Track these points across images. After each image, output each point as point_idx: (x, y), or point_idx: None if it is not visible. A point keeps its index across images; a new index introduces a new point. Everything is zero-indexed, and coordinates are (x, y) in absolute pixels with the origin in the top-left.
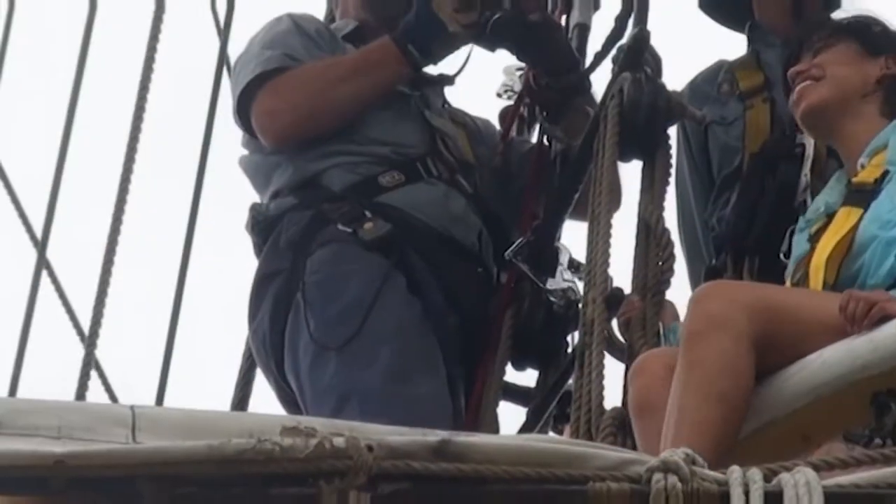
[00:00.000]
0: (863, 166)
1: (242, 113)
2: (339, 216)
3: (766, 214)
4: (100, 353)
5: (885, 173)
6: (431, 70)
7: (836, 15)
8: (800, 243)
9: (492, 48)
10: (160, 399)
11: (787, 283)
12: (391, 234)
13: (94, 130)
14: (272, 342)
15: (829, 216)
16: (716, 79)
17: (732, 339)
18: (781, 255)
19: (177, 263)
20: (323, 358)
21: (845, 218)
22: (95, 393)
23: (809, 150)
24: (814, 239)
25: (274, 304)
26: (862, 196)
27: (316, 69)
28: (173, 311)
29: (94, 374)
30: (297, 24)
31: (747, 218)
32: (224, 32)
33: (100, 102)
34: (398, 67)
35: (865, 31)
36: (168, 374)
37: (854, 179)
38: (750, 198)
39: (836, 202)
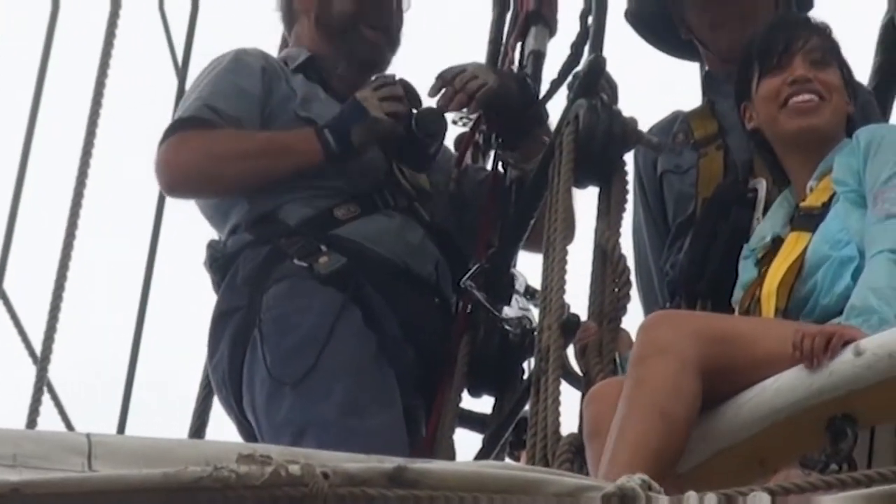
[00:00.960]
0: (811, 189)
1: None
2: (295, 251)
3: (717, 258)
4: (53, 375)
5: (833, 196)
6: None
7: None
8: (746, 269)
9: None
10: (122, 427)
11: (736, 310)
12: (346, 267)
13: (50, 155)
14: (231, 378)
15: (775, 242)
16: (671, 129)
17: (678, 363)
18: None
19: (136, 286)
20: (279, 392)
21: (794, 243)
22: (48, 416)
23: (762, 194)
24: (761, 264)
25: (232, 341)
26: (810, 220)
27: (225, 138)
28: (135, 338)
29: (47, 397)
30: (240, 69)
31: (699, 262)
32: (182, 70)
33: (55, 134)
34: (311, 157)
35: (846, 65)
36: (129, 402)
37: (802, 204)
38: (702, 242)
39: (781, 227)
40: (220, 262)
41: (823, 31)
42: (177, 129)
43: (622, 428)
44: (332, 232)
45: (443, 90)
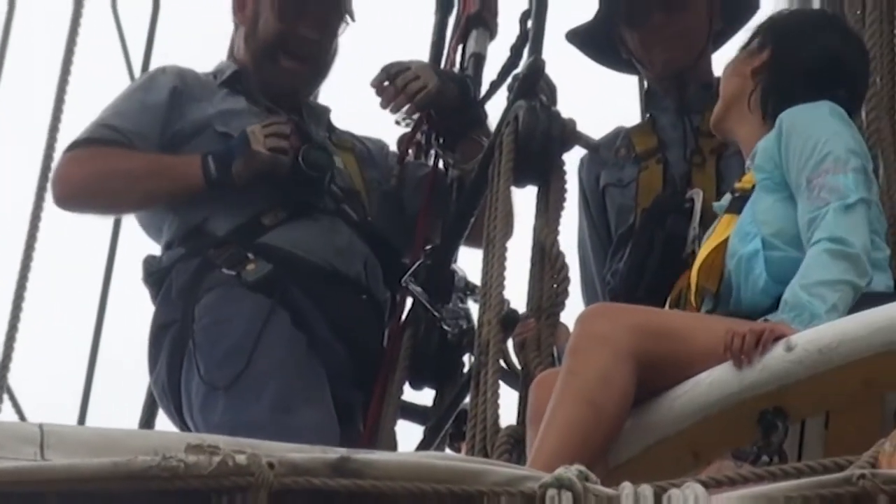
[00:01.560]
0: (748, 169)
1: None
2: (223, 261)
3: (654, 266)
4: (12, 379)
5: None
6: (315, 99)
7: None
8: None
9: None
10: (82, 419)
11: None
12: (273, 273)
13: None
14: (171, 388)
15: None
16: (614, 144)
17: (612, 353)
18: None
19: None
20: (212, 397)
21: (726, 225)
22: (7, 415)
23: (698, 204)
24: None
25: (170, 353)
26: (741, 203)
27: (114, 157)
28: (93, 343)
29: (6, 398)
30: (149, 84)
31: (638, 270)
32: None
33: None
34: (192, 181)
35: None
36: (88, 402)
37: (737, 185)
38: (641, 251)
39: (724, 206)
40: (155, 276)
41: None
42: (72, 147)
43: (552, 415)
44: (259, 240)
45: (385, 84)
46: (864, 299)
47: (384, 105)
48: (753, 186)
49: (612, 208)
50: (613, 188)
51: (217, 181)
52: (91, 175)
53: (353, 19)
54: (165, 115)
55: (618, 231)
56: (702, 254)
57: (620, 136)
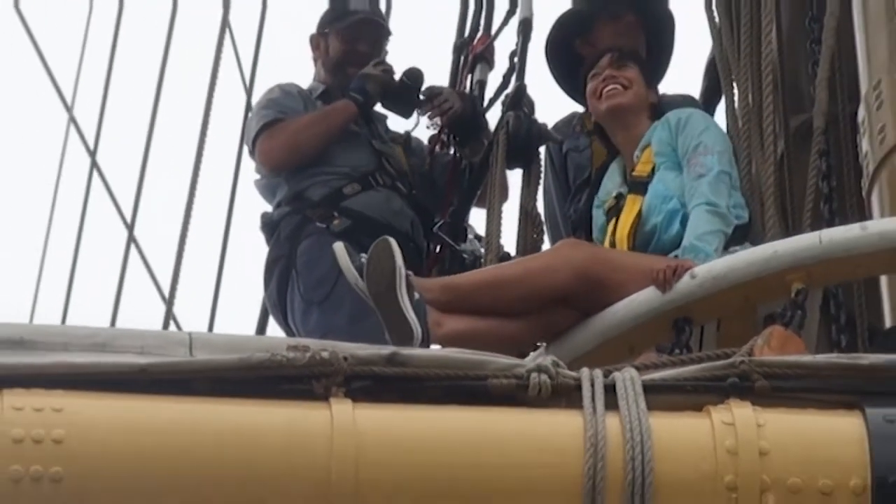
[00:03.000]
0: (637, 158)
1: (252, 152)
2: (317, 217)
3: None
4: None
5: (655, 165)
6: (379, 110)
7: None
8: (598, 217)
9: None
10: (210, 328)
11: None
12: (351, 227)
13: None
14: (279, 303)
15: (616, 197)
16: (571, 122)
17: (562, 264)
18: None
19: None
20: (309, 310)
21: (633, 204)
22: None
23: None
24: (609, 214)
25: (279, 279)
26: (641, 185)
27: (295, 121)
28: (218, 268)
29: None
30: (283, 90)
31: (591, 208)
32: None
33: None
34: (349, 109)
35: (646, 67)
36: (216, 313)
37: (634, 172)
38: (593, 195)
39: (615, 186)
40: (268, 226)
41: (627, 48)
42: (260, 131)
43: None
44: (342, 204)
45: (431, 100)
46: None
47: (423, 114)
48: (649, 173)
49: (571, 166)
50: (573, 152)
51: (363, 103)
52: (281, 142)
53: (391, 34)
54: (302, 103)
55: (575, 181)
56: (625, 224)
57: (576, 118)
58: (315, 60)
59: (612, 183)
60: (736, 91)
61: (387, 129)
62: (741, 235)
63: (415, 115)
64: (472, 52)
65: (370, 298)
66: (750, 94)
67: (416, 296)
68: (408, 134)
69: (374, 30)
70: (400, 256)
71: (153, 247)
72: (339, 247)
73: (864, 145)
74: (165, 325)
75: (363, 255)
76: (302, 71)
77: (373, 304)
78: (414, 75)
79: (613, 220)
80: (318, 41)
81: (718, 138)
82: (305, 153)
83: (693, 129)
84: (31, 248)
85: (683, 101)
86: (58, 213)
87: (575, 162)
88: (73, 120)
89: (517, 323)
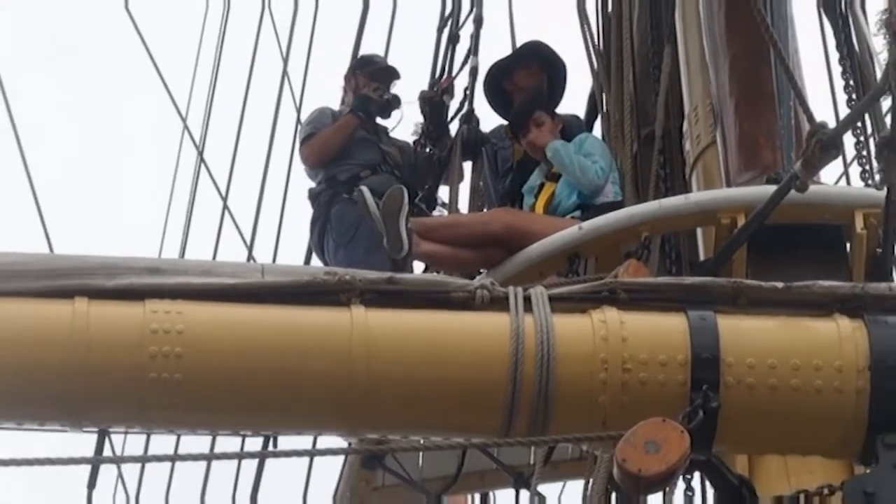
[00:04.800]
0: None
1: (300, 154)
2: (344, 191)
3: (518, 185)
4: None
5: None
6: (382, 122)
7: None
8: (528, 198)
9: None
10: (274, 261)
11: None
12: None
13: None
14: (319, 245)
15: (539, 186)
16: (501, 130)
17: (496, 219)
18: None
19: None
20: (338, 249)
21: (549, 188)
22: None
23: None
24: (534, 196)
25: (319, 230)
26: (556, 177)
27: (323, 133)
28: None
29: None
30: (320, 112)
31: (514, 187)
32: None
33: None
34: (351, 122)
35: (556, 115)
36: (278, 252)
37: (552, 171)
38: (516, 180)
39: (538, 179)
40: (312, 197)
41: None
42: (304, 141)
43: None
44: (359, 183)
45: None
46: (607, 206)
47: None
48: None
49: (500, 159)
50: (501, 150)
51: (364, 118)
52: (316, 149)
53: (400, 77)
54: (332, 120)
55: (502, 168)
56: (542, 199)
57: (503, 128)
58: (345, 90)
59: (536, 177)
60: (608, 113)
61: (388, 136)
62: (616, 206)
63: (393, 115)
64: (440, 86)
65: (380, 219)
66: (616, 115)
67: (410, 226)
68: (403, 142)
69: (389, 74)
70: (406, 198)
71: (239, 213)
72: (365, 189)
73: (687, 146)
74: (248, 259)
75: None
76: None
77: (381, 223)
78: (396, 98)
79: (535, 199)
80: (350, 78)
81: (605, 152)
82: (328, 153)
83: (589, 146)
84: (154, 212)
85: (573, 119)
86: (177, 185)
87: (502, 156)
88: (181, 116)
89: (466, 253)
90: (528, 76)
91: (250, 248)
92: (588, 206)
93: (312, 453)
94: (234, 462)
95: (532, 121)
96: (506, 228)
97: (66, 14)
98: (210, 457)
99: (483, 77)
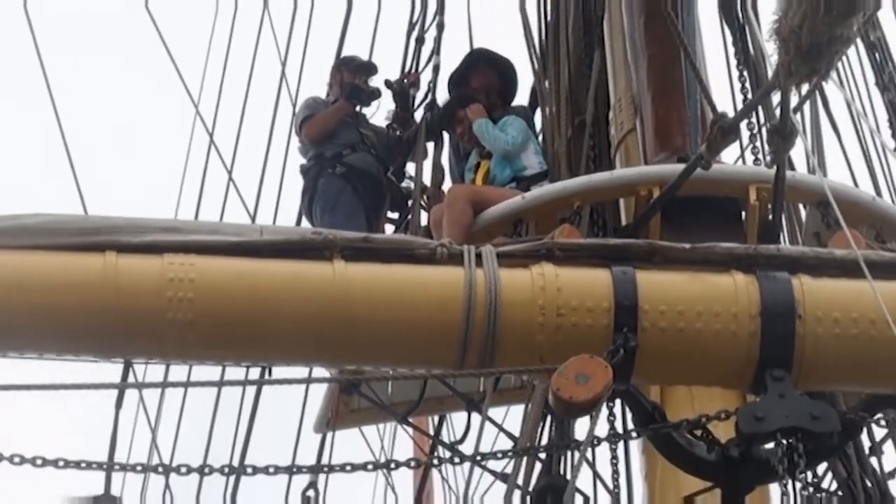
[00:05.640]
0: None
1: (298, 132)
2: (328, 167)
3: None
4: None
5: None
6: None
7: None
8: (469, 175)
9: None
10: (274, 223)
11: None
12: (347, 172)
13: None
14: (308, 211)
15: (476, 164)
16: None
17: (462, 202)
18: None
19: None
20: (323, 215)
21: (485, 165)
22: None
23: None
24: (474, 172)
25: (308, 199)
26: (489, 155)
27: (319, 115)
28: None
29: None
30: (314, 100)
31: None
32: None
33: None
34: (345, 107)
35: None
36: (277, 216)
37: (485, 151)
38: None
39: (475, 160)
40: (303, 171)
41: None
42: (305, 120)
43: (445, 220)
44: (342, 160)
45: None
46: (536, 175)
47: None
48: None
49: (461, 146)
50: (461, 141)
51: (356, 102)
52: (316, 126)
53: (378, 71)
54: (324, 106)
55: (463, 153)
56: (480, 174)
57: None
58: (331, 84)
59: (474, 158)
60: (546, 105)
61: (366, 121)
62: (544, 177)
63: (373, 104)
64: (408, 79)
65: None
66: (553, 106)
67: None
68: (378, 126)
69: (369, 69)
70: None
71: (242, 184)
72: None
73: (612, 131)
74: (251, 220)
75: None
76: None
77: None
78: (378, 90)
79: (474, 175)
80: (335, 73)
81: (521, 128)
82: (325, 131)
83: (506, 124)
84: (170, 182)
85: (521, 108)
86: (190, 160)
87: (463, 144)
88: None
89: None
90: (481, 76)
91: (254, 217)
92: (521, 178)
93: (303, 381)
94: (239, 391)
95: (454, 119)
96: (467, 201)
97: (91, 10)
98: (218, 384)
99: (446, 84)
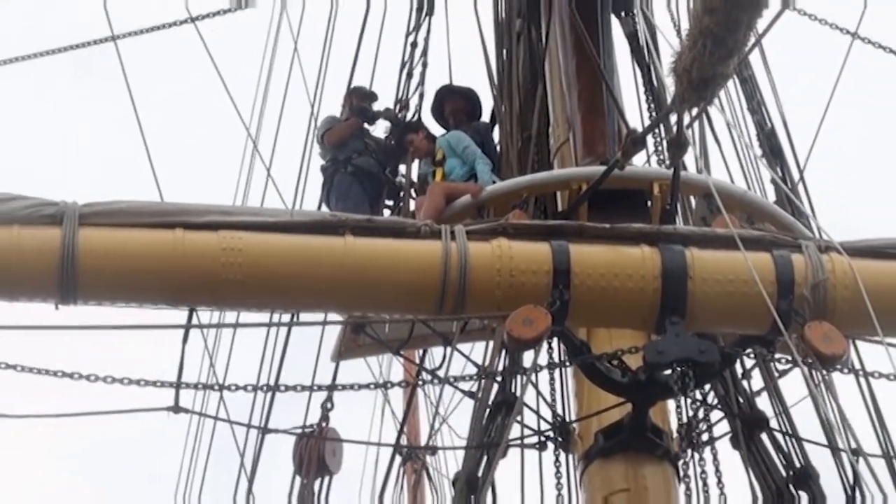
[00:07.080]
0: (443, 155)
1: (321, 140)
2: (341, 167)
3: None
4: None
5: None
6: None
7: None
8: (430, 178)
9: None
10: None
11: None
12: (355, 171)
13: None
14: (326, 200)
15: (433, 171)
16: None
17: (439, 194)
18: None
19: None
20: (337, 203)
21: (440, 170)
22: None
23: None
24: (433, 177)
25: (326, 191)
26: (440, 163)
27: (336, 128)
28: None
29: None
30: (332, 118)
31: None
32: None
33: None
34: (357, 123)
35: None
36: (303, 202)
37: (436, 160)
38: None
39: (429, 168)
40: (322, 170)
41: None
42: (324, 132)
43: (426, 209)
44: (352, 162)
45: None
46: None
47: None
48: (443, 157)
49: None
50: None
51: (363, 119)
52: (336, 135)
53: (378, 98)
54: (339, 122)
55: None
56: (438, 177)
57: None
58: (344, 106)
59: (427, 167)
60: (502, 122)
61: (369, 133)
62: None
63: (378, 123)
64: (400, 105)
65: None
66: (507, 124)
67: None
68: (378, 137)
69: (372, 97)
70: None
71: (279, 180)
72: None
73: (552, 142)
74: (286, 206)
75: None
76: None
77: None
78: (380, 112)
79: (433, 178)
80: (347, 99)
81: (471, 143)
82: (340, 140)
83: (460, 141)
84: (225, 176)
85: (482, 125)
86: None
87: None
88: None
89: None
90: (451, 103)
91: (293, 205)
92: (474, 176)
93: (321, 323)
94: (273, 330)
95: (407, 142)
96: (443, 196)
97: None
98: (258, 325)
99: (429, 106)
